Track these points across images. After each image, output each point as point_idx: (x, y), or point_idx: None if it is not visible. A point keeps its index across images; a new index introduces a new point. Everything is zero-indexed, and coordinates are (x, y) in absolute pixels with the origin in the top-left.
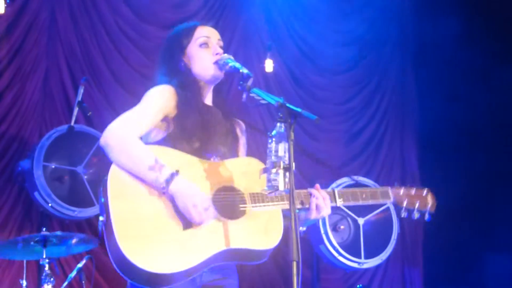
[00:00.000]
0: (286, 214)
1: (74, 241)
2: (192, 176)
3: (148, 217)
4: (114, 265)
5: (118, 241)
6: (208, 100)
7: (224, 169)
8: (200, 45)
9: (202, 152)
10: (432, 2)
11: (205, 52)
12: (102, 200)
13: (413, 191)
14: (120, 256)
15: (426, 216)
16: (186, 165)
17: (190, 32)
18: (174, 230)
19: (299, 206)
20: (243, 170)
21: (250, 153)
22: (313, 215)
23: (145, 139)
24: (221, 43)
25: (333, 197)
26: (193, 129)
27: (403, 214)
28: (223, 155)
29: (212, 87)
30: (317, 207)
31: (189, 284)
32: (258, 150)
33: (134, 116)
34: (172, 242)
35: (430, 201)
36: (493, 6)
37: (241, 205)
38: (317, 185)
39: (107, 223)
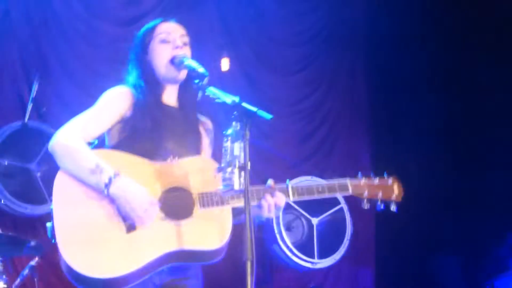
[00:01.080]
0: (241, 209)
1: (31, 244)
2: (140, 178)
3: (91, 222)
4: (65, 272)
5: (60, 250)
6: (171, 99)
7: (175, 169)
8: (160, 41)
9: (157, 153)
10: (383, 3)
11: (164, 47)
12: (51, 206)
13: (376, 181)
14: (65, 264)
15: (393, 207)
16: (134, 167)
17: (152, 29)
18: (117, 234)
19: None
20: (195, 170)
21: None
22: (265, 213)
23: (106, 141)
24: (185, 39)
25: (286, 193)
26: (146, 130)
27: (366, 206)
28: (181, 155)
29: (175, 87)
30: (268, 206)
31: (146, 285)
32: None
33: (83, 120)
34: (115, 246)
35: (396, 190)
36: (446, 5)
37: (189, 206)
38: (272, 181)
39: (53, 229)
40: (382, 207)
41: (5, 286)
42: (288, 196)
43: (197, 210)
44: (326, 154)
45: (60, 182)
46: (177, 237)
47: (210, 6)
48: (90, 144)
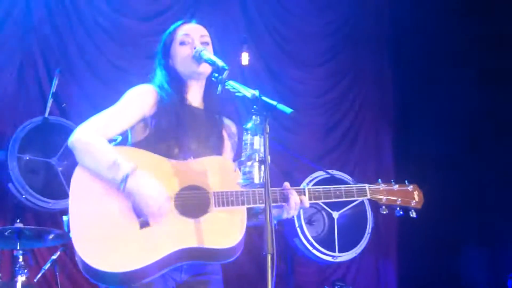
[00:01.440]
0: (256, 211)
1: (51, 237)
2: (158, 175)
3: (106, 218)
4: (80, 267)
5: (75, 245)
6: (196, 100)
7: (193, 168)
8: (180, 43)
9: (177, 152)
10: None
11: (185, 49)
12: (69, 200)
13: (395, 187)
14: (80, 259)
15: (413, 214)
16: (152, 165)
17: (173, 32)
18: (130, 229)
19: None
20: (213, 169)
21: None
22: (284, 215)
23: (129, 139)
24: (206, 39)
25: (303, 195)
26: (168, 129)
27: (384, 211)
28: (201, 156)
29: (201, 86)
30: (287, 208)
31: (166, 282)
32: None
33: (105, 118)
34: (127, 241)
35: (416, 197)
36: None
37: (204, 204)
38: (287, 184)
39: (69, 224)
40: (401, 213)
41: (26, 279)
42: (306, 198)
43: (212, 209)
44: (348, 147)
45: (78, 177)
46: (190, 235)
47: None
48: (113, 140)
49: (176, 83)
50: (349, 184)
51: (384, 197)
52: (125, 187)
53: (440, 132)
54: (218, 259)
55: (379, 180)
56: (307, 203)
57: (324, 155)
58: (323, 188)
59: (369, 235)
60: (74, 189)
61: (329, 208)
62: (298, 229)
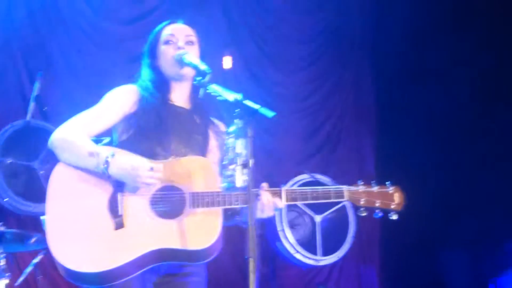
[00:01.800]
0: (234, 211)
1: (32, 240)
2: None
3: (81, 218)
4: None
5: (49, 244)
6: (181, 99)
7: (172, 168)
8: (164, 43)
9: (158, 152)
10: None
11: (168, 48)
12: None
13: (375, 189)
14: (55, 259)
15: (393, 216)
16: None
17: (159, 32)
18: (105, 230)
19: (241, 204)
20: (191, 169)
21: None
22: (258, 214)
23: (114, 139)
24: (191, 38)
25: (279, 197)
26: (149, 128)
27: (363, 213)
28: (183, 155)
29: (186, 86)
30: (262, 205)
31: (144, 280)
32: None
33: (84, 117)
34: (102, 242)
35: (396, 199)
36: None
37: (179, 205)
38: (265, 184)
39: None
40: (380, 215)
41: (8, 282)
42: (281, 199)
43: (187, 210)
44: (330, 151)
45: (55, 177)
46: (164, 236)
47: (215, 3)
48: (99, 141)
49: (160, 82)
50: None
51: (363, 199)
52: (108, 169)
53: (421, 135)
54: (193, 260)
55: (359, 181)
56: (280, 204)
57: (306, 159)
58: (300, 189)
59: (351, 239)
60: (52, 188)
61: (311, 211)
62: (280, 233)
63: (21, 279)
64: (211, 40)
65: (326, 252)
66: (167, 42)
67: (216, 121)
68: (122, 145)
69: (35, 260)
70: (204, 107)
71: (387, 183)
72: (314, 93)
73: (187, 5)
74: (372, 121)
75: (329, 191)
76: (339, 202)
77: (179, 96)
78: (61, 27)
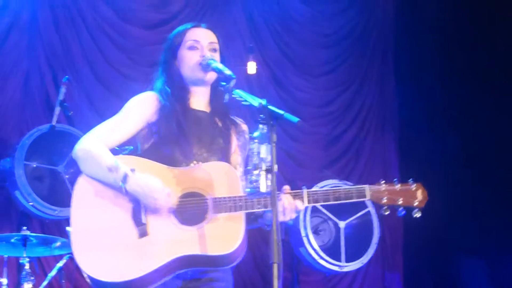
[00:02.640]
0: (257, 214)
1: (57, 244)
2: None
3: (105, 228)
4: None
5: (74, 254)
6: (200, 104)
7: (194, 174)
8: (189, 48)
9: (182, 158)
10: (414, 4)
11: (193, 54)
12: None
13: (397, 187)
14: (79, 268)
15: (417, 214)
16: (152, 173)
17: (181, 35)
18: (129, 239)
19: (263, 208)
20: (213, 175)
21: None
22: (280, 218)
23: (138, 148)
24: (215, 45)
25: (301, 198)
26: (170, 135)
27: (386, 211)
28: (206, 160)
29: (205, 91)
30: (284, 210)
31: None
32: None
33: (106, 127)
34: (126, 251)
35: (419, 196)
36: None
37: (202, 211)
38: (287, 187)
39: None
40: (403, 213)
41: (33, 287)
42: (303, 202)
43: (210, 215)
44: (353, 156)
45: (79, 187)
46: (188, 243)
47: (238, 8)
48: (123, 150)
49: (180, 88)
50: None
51: (385, 198)
52: (126, 186)
53: (446, 139)
54: (217, 265)
55: (381, 180)
56: (300, 206)
57: (329, 165)
58: (321, 190)
59: (376, 245)
60: (75, 199)
61: (335, 217)
62: (305, 239)
63: (45, 283)
64: (235, 46)
65: (350, 258)
66: (191, 48)
67: (237, 120)
68: (146, 153)
69: (59, 264)
70: (223, 109)
71: (409, 180)
72: (338, 98)
73: (210, 11)
74: (395, 126)
75: (351, 190)
76: (363, 208)
77: (199, 100)
78: (86, 31)
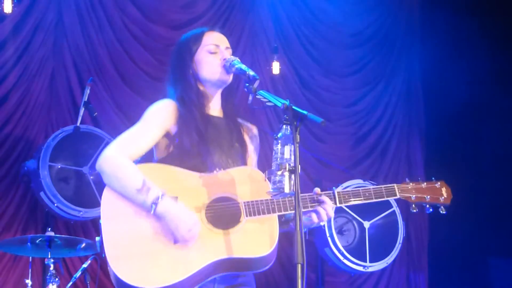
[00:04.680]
0: (287, 218)
1: (82, 246)
2: (186, 191)
3: (139, 236)
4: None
5: (110, 263)
6: (215, 108)
7: (221, 179)
8: (209, 52)
9: (204, 166)
10: (440, 2)
11: (214, 57)
12: (100, 221)
13: (423, 185)
14: (115, 277)
15: (442, 210)
16: (179, 181)
17: (198, 38)
18: (165, 245)
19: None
20: (241, 179)
21: (262, 157)
22: (316, 220)
23: (155, 155)
24: (230, 51)
25: (333, 199)
26: (192, 146)
27: (414, 209)
28: (227, 166)
29: (219, 93)
30: (317, 214)
31: None
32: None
33: (129, 137)
34: (163, 257)
35: (444, 193)
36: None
37: (235, 215)
38: (317, 189)
39: (102, 244)
40: (431, 210)
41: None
42: (335, 202)
43: (244, 219)
44: (378, 157)
45: (108, 196)
46: (224, 246)
47: (264, 8)
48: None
49: (196, 93)
50: None
51: (413, 195)
52: (156, 210)
53: (472, 139)
54: (253, 268)
55: (407, 179)
56: (331, 212)
57: (354, 165)
58: (352, 190)
59: (400, 245)
60: (105, 208)
61: (360, 217)
62: (329, 239)
63: (70, 284)
64: (260, 46)
65: (374, 258)
66: (212, 52)
67: (248, 124)
68: (164, 162)
69: (84, 265)
70: (235, 113)
71: (432, 178)
72: (363, 98)
73: (235, 11)
74: (421, 127)
75: (381, 189)
76: (388, 208)
77: (213, 105)
78: (111, 31)
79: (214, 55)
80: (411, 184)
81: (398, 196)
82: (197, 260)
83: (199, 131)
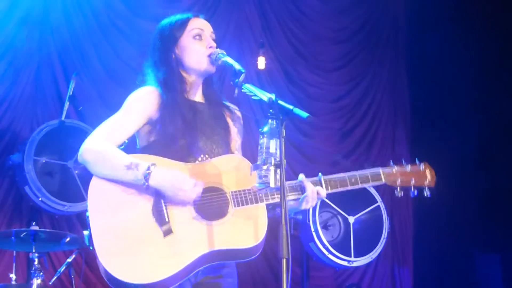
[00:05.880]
0: (274, 204)
1: (66, 240)
2: None
3: (128, 229)
4: (107, 281)
5: (100, 258)
6: (196, 94)
7: (208, 169)
8: (194, 37)
9: (188, 153)
10: None
11: (199, 44)
12: (87, 214)
13: (408, 168)
14: (105, 272)
15: (426, 193)
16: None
17: (183, 24)
18: (154, 239)
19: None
20: (228, 169)
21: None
22: (302, 206)
23: (137, 143)
24: (214, 36)
25: (319, 185)
26: (176, 131)
27: (399, 193)
28: (212, 152)
29: (199, 81)
30: (312, 194)
31: (183, 284)
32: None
33: (109, 125)
34: (153, 251)
35: (428, 175)
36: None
37: (223, 205)
38: (302, 175)
39: (91, 238)
40: (415, 193)
41: (42, 282)
42: (323, 187)
43: (232, 209)
44: (364, 151)
45: (95, 189)
46: (213, 237)
47: (250, 3)
48: (120, 146)
49: (180, 79)
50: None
51: (399, 179)
52: (150, 181)
53: (457, 134)
54: (243, 257)
55: (391, 161)
56: (323, 193)
57: (340, 159)
58: (338, 176)
59: (385, 240)
60: (92, 201)
61: (345, 212)
62: (314, 234)
63: (54, 278)
64: (246, 40)
65: (359, 253)
66: (197, 36)
67: (231, 105)
68: (148, 148)
69: (69, 260)
70: (217, 97)
71: (416, 160)
72: (349, 93)
73: (221, 6)
74: (407, 121)
75: (366, 174)
76: (373, 203)
77: (195, 91)
78: (97, 26)
79: (199, 42)
80: (395, 167)
81: (383, 181)
82: (188, 252)
83: (183, 117)
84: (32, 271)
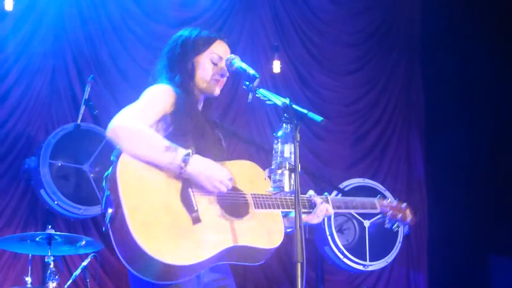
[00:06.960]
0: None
1: (82, 243)
2: None
3: (160, 209)
4: (122, 259)
5: (132, 230)
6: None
7: (226, 169)
8: (211, 60)
9: (198, 151)
10: (440, 1)
11: (214, 68)
12: (107, 193)
13: (394, 204)
14: (133, 245)
15: (405, 229)
16: None
17: (208, 42)
18: (185, 224)
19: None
20: (242, 172)
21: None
22: (314, 220)
23: None
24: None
25: (327, 203)
26: (188, 132)
27: (387, 225)
28: (215, 158)
29: (203, 98)
30: (316, 213)
31: (194, 283)
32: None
33: (139, 108)
34: (184, 236)
35: (408, 215)
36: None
37: (244, 205)
38: (312, 192)
39: (117, 215)
40: (396, 228)
41: (57, 285)
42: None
43: (252, 210)
44: (379, 155)
45: (126, 167)
46: (239, 233)
47: (264, 7)
48: None
49: (192, 86)
50: (382, 193)
51: (389, 212)
52: (187, 166)
53: (472, 140)
54: (257, 260)
55: (378, 195)
56: (331, 210)
57: (355, 164)
58: (342, 199)
59: (400, 244)
60: (124, 181)
61: (360, 216)
62: (329, 237)
63: (69, 281)
64: (260, 44)
65: (374, 257)
66: (214, 63)
67: (222, 131)
68: None
69: (84, 263)
70: (210, 114)
71: (396, 199)
72: (364, 97)
73: (236, 10)
74: (421, 125)
75: (364, 202)
76: None
77: (199, 104)
78: (112, 30)
79: (215, 66)
80: (385, 201)
81: (378, 210)
82: (216, 243)
83: (193, 121)
84: (47, 275)
